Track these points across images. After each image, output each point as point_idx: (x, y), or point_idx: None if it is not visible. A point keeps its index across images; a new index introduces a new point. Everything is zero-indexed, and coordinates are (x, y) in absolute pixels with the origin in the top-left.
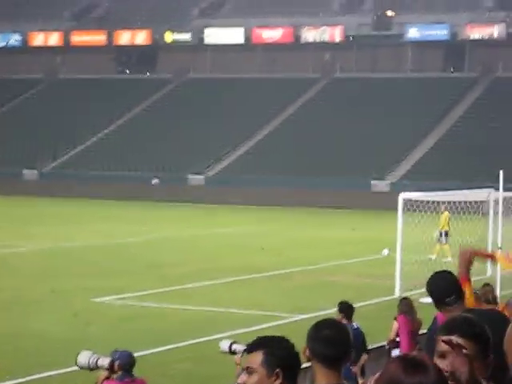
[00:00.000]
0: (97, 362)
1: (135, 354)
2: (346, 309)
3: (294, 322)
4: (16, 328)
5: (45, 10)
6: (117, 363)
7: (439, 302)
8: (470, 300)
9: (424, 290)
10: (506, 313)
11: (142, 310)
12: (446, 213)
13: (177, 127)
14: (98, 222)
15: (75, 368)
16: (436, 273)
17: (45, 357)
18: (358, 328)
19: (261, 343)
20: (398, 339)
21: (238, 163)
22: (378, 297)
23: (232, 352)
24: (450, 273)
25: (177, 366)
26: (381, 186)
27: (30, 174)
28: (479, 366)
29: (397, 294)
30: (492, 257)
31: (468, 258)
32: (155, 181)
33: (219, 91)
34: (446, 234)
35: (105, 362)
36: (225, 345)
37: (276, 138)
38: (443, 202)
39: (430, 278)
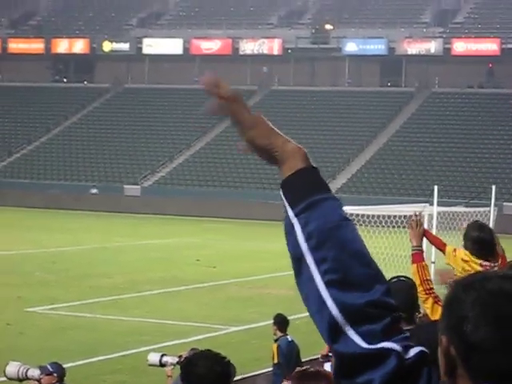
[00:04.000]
0: (26, 372)
1: (67, 365)
2: (281, 321)
3: (226, 334)
4: None
5: None
6: (55, 375)
7: None
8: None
9: None
10: None
11: (74, 320)
12: None
13: (114, 137)
14: (32, 232)
15: (3, 379)
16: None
17: None
18: (292, 341)
19: None
20: (330, 354)
21: (174, 174)
22: None
23: (162, 364)
24: (408, 282)
25: (108, 377)
26: None
27: None
28: None
29: None
30: (442, 246)
31: (419, 233)
32: (94, 190)
33: (156, 101)
34: None
35: (35, 373)
36: (154, 357)
37: (213, 150)
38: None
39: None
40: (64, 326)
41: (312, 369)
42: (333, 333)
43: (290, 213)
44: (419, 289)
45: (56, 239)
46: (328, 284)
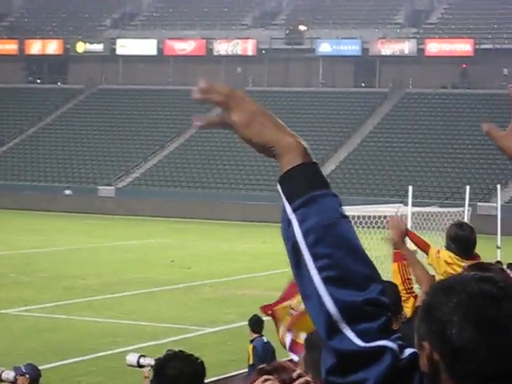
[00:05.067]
0: (1, 374)
1: (42, 367)
2: (256, 322)
3: (201, 335)
4: None
5: None
6: (27, 376)
7: None
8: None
9: None
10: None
11: (48, 321)
12: None
13: (88, 138)
14: (5, 233)
15: None
16: None
17: None
18: (268, 342)
19: None
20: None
21: (148, 175)
22: None
23: (140, 365)
24: (391, 283)
25: (83, 378)
26: None
27: None
28: None
29: None
30: (426, 247)
31: (401, 231)
32: (68, 191)
33: (130, 102)
34: None
35: (10, 375)
36: (132, 358)
37: (186, 151)
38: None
39: None
40: (38, 328)
41: (275, 363)
42: (329, 330)
43: (288, 208)
44: (400, 288)
45: (29, 240)
46: (325, 281)
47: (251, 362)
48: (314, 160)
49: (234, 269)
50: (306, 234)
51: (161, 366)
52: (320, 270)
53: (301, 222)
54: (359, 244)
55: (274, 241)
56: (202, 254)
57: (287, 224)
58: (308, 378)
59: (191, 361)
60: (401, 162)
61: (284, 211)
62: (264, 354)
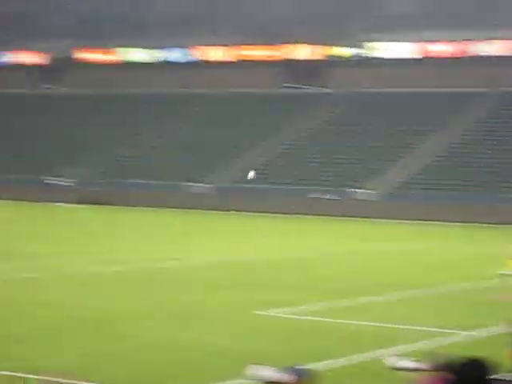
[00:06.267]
0: (279, 377)
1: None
2: None
3: (461, 339)
4: (190, 340)
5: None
6: (299, 379)
7: None
8: None
9: None
10: None
11: (309, 323)
12: None
13: (342, 142)
14: (266, 236)
15: (250, 381)
16: None
17: (218, 369)
18: None
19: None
20: None
21: (410, 179)
22: None
23: (408, 370)
24: None
25: (346, 381)
26: None
27: (202, 186)
28: None
29: None
30: None
31: None
32: (328, 195)
33: (381, 107)
34: None
35: (284, 377)
36: (394, 361)
37: (456, 153)
38: None
39: None
40: (300, 329)
41: None
42: None
43: None
44: None
45: (285, 243)
46: None
47: None
48: None
49: (491, 273)
50: None
51: (456, 372)
52: None
53: None
54: None
55: None
56: (458, 259)
57: None
58: None
59: (478, 365)
60: None
61: None
62: None
